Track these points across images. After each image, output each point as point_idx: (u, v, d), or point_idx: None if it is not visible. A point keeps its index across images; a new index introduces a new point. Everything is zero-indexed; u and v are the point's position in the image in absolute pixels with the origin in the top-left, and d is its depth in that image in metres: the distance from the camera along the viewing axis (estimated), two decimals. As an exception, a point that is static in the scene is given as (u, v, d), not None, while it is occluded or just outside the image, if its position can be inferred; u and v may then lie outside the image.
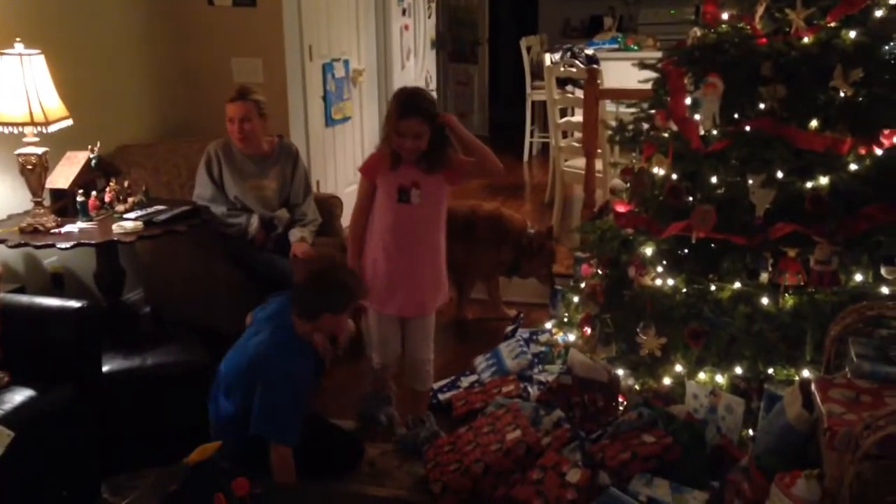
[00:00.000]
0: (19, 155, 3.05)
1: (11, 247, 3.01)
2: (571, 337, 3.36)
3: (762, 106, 2.66)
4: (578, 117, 5.12)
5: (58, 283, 3.53)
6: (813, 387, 2.14)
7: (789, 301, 2.59)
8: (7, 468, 2.28)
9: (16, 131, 3.01)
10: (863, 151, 2.54)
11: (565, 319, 3.51)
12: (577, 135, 5.16)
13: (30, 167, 3.05)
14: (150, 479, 2.02)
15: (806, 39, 2.63)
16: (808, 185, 2.58)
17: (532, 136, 7.28)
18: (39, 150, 3.06)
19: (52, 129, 3.07)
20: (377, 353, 3.05)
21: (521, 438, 2.68)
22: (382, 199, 2.88)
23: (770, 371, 2.61)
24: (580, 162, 4.77)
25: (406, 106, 2.78)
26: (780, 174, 2.60)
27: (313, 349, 2.66)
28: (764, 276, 2.65)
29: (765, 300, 2.61)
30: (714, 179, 2.76)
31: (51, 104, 3.07)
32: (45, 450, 2.43)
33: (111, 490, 2.66)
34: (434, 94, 6.48)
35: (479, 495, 2.59)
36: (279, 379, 2.53)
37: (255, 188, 3.62)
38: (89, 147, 3.32)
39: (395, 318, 2.97)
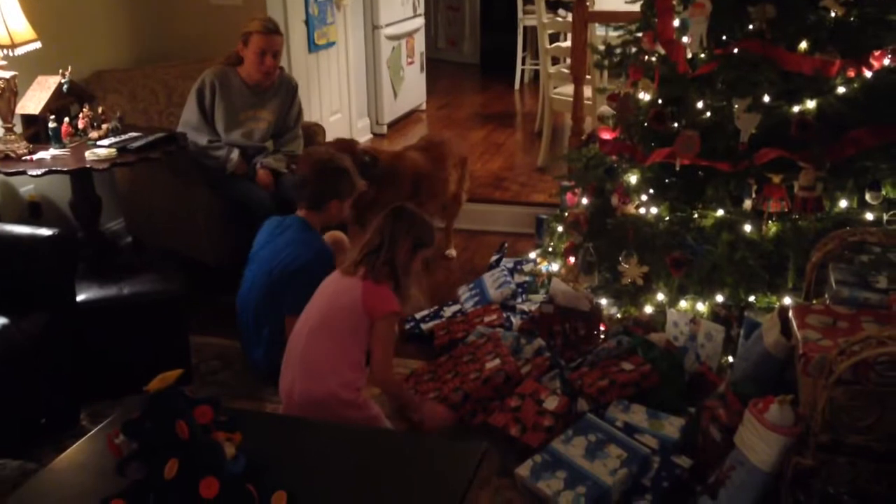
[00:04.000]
0: (-14, 79, 2.96)
1: (-18, 174, 2.95)
2: (555, 266, 3.34)
3: (751, 27, 2.58)
4: (569, 43, 4.98)
5: (35, 211, 3.47)
6: (791, 313, 2.12)
7: (772, 228, 2.56)
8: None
9: (-20, 54, 2.92)
10: (851, 74, 2.47)
11: (550, 249, 3.49)
12: (568, 61, 5.03)
13: (-2, 92, 2.97)
14: (122, 408, 2.01)
15: (797, -43, 2.53)
16: (795, 109, 2.52)
17: (524, 63, 7.13)
18: (7, 74, 2.97)
19: (20, 52, 2.97)
20: None
21: (500, 367, 2.67)
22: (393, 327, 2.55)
23: (751, 299, 2.59)
24: (569, 89, 4.67)
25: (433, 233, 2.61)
26: (766, 98, 2.54)
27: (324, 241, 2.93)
28: (748, 204, 2.62)
29: (748, 227, 2.58)
30: (700, 104, 2.69)
31: (17, 26, 2.97)
32: (19, 376, 2.41)
33: (90, 417, 2.66)
34: (423, 20, 6.34)
35: (457, 423, 2.60)
36: (295, 259, 2.81)
37: (249, 120, 3.54)
38: (60, 72, 3.23)
39: None
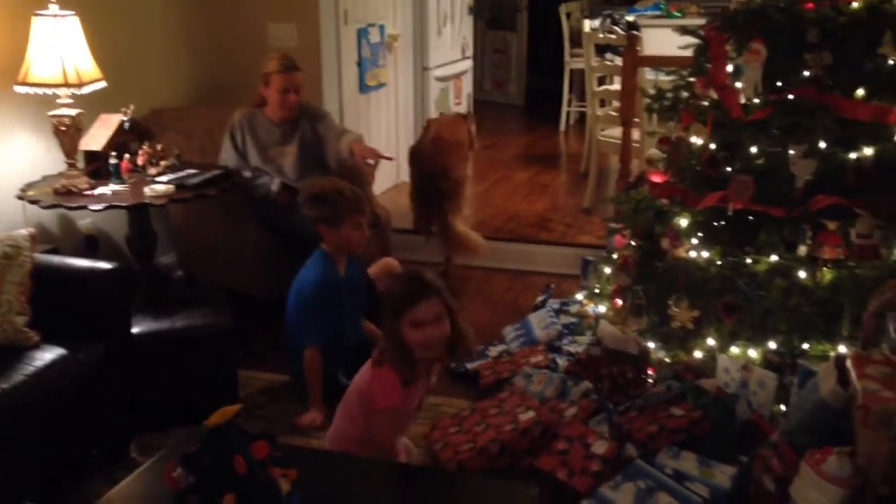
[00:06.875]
0: (53, 116, 3.07)
1: (45, 207, 3.04)
2: (602, 308, 3.32)
3: (806, 74, 2.57)
4: (616, 86, 5.01)
5: (91, 245, 3.56)
6: (849, 363, 2.08)
7: (827, 275, 2.51)
8: (37, 425, 2.32)
9: (50, 93, 3.03)
10: (910, 121, 2.44)
11: (597, 290, 3.47)
12: (615, 104, 5.06)
13: (63, 129, 3.07)
14: (175, 440, 2.04)
15: (855, 4, 2.53)
16: (852, 155, 2.49)
17: (569, 105, 7.17)
18: (73, 112, 3.08)
19: (86, 90, 3.08)
20: None
21: (537, 418, 2.64)
22: (397, 421, 2.31)
23: (805, 346, 2.55)
24: (617, 131, 4.69)
25: (416, 288, 2.21)
26: (822, 144, 2.52)
27: (333, 263, 2.99)
28: (802, 250, 2.59)
29: (802, 274, 2.55)
30: (754, 149, 2.68)
31: (84, 66, 3.08)
32: (74, 408, 2.46)
33: (140, 449, 2.69)
34: (471, 62, 6.41)
35: (494, 472, 2.55)
36: (300, 289, 2.98)
37: (278, 156, 3.63)
38: (122, 110, 3.33)
39: None
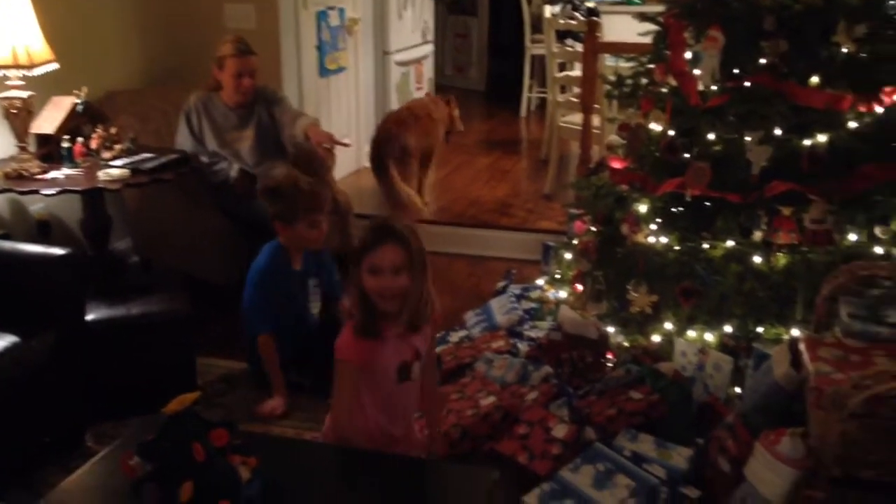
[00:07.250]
0: (3, 98, 2.99)
1: (-5, 192, 2.97)
2: (563, 294, 3.34)
3: (763, 61, 2.60)
4: (577, 72, 5.04)
5: (44, 230, 3.48)
6: (801, 345, 2.13)
7: (782, 260, 2.56)
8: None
9: (-1, 74, 2.95)
10: (863, 109, 2.49)
11: (557, 276, 3.50)
12: (576, 90, 5.08)
13: (14, 111, 2.99)
14: (132, 429, 2.01)
15: (810, -7, 2.56)
16: (806, 142, 2.53)
17: (530, 90, 7.18)
18: (24, 94, 3.00)
19: (37, 72, 3.00)
20: None
21: (498, 403, 2.66)
22: (369, 386, 2.12)
23: (760, 330, 2.59)
24: (577, 117, 4.71)
25: (379, 231, 2.06)
26: (778, 131, 2.55)
27: (286, 253, 2.96)
28: (757, 235, 2.63)
29: (757, 259, 2.59)
30: (711, 136, 2.71)
31: (36, 47, 2.99)
32: (26, 395, 2.42)
33: (95, 438, 2.66)
34: (432, 47, 6.38)
35: (455, 457, 2.56)
36: (250, 277, 2.95)
37: (236, 140, 3.59)
38: (75, 92, 3.25)
39: None
